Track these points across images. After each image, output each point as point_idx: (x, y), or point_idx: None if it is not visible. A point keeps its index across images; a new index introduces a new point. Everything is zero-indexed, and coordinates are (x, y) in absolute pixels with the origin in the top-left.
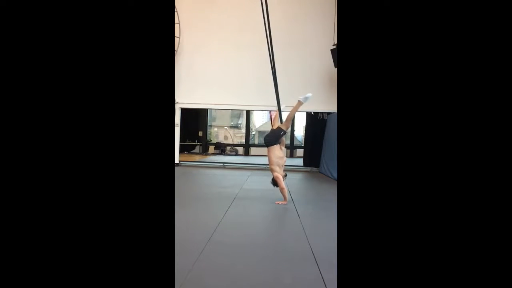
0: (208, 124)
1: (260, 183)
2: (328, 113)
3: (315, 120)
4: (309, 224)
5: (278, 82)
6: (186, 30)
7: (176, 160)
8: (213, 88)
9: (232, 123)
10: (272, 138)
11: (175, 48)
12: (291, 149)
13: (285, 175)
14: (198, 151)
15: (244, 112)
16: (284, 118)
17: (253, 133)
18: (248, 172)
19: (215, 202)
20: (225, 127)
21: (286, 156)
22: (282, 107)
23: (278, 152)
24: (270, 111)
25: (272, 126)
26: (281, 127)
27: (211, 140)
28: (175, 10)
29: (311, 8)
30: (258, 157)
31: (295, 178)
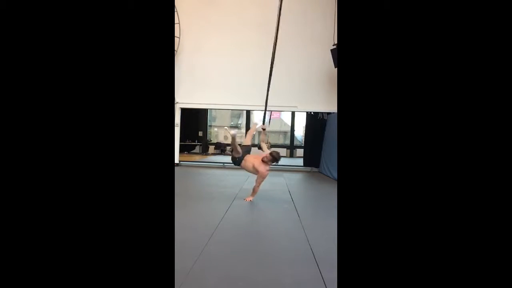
0: (208, 124)
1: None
2: (328, 113)
3: (315, 120)
4: (309, 224)
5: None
6: (186, 30)
7: (176, 160)
8: (213, 88)
9: (232, 123)
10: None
11: (175, 48)
12: (291, 149)
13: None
14: (198, 151)
15: (244, 112)
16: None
17: (253, 133)
18: (248, 172)
19: (215, 202)
20: (225, 127)
21: (286, 156)
22: (282, 107)
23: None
24: (271, 111)
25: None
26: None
27: (211, 140)
28: (175, 10)
29: (311, 8)
30: None
31: (295, 178)
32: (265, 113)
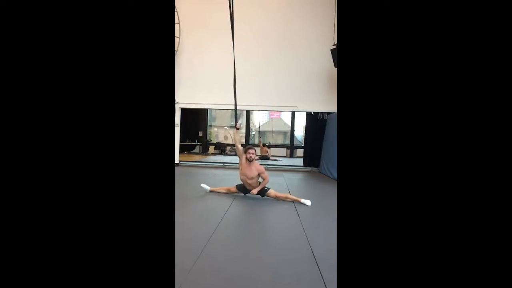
0: (208, 124)
1: None
2: (328, 113)
3: (315, 120)
4: (309, 224)
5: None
6: (186, 30)
7: (176, 160)
8: (213, 88)
9: (232, 123)
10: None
11: (175, 48)
12: (291, 149)
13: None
14: (198, 151)
15: (244, 112)
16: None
17: (253, 133)
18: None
19: (215, 201)
20: (225, 127)
21: (287, 156)
22: (282, 107)
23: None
24: (270, 111)
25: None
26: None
27: (211, 140)
28: (175, 10)
29: (311, 8)
30: None
31: (295, 178)
32: (236, 113)
